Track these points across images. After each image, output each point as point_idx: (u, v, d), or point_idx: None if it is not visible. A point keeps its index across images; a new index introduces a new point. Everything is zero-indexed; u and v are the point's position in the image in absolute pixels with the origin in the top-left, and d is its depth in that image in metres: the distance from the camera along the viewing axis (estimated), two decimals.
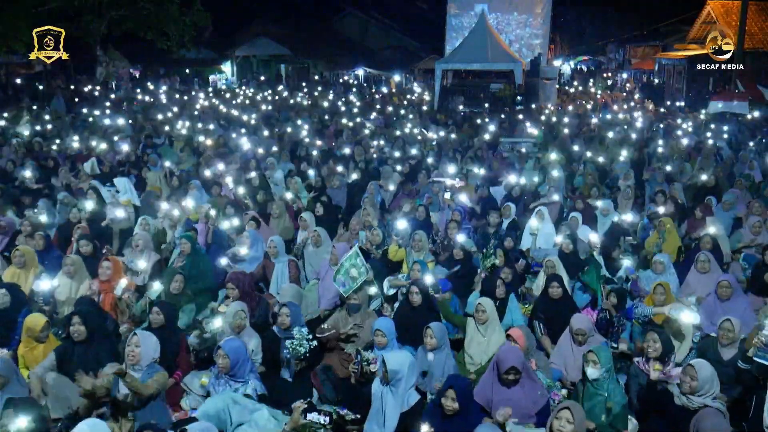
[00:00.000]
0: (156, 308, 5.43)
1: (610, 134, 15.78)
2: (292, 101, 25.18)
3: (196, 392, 5.28)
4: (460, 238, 7.57)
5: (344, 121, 17.92)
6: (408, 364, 4.59)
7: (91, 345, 5.03)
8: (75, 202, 8.99)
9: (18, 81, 26.52)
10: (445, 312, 6.04)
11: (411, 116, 19.71)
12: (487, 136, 15.79)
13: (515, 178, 10.56)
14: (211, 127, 16.50)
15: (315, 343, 5.33)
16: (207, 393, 5.01)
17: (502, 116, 20.24)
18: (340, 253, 6.87)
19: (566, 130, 16.44)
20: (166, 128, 16.29)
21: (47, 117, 17.78)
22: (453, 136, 16.08)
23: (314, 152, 13.37)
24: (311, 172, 11.11)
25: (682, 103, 26.03)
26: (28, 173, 10.54)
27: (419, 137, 15.76)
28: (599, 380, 4.58)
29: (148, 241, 7.36)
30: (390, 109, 22.63)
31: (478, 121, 18.88)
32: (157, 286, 6.22)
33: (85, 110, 19.40)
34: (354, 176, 11.32)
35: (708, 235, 7.50)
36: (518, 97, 22.92)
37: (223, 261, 7.20)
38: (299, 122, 17.70)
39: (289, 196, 9.63)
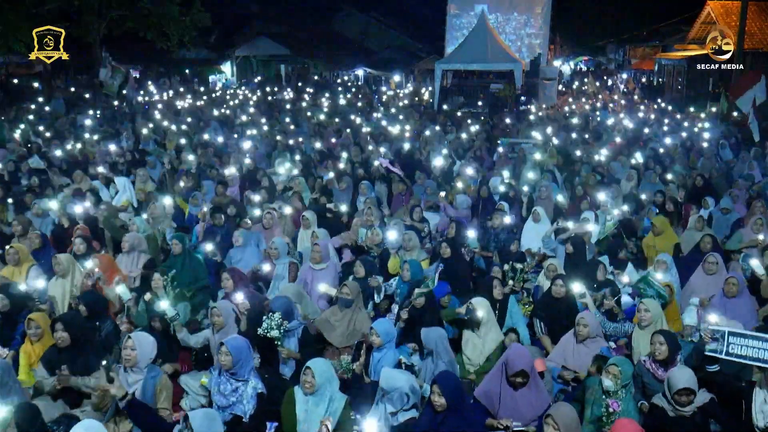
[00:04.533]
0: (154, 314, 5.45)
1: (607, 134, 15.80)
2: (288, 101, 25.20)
3: (195, 392, 5.28)
4: (471, 234, 7.59)
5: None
6: (400, 390, 4.49)
7: (78, 350, 4.95)
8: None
9: (17, 81, 26.53)
10: (449, 314, 6.03)
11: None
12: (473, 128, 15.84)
13: (507, 174, 10.58)
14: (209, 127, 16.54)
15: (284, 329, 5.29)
16: (207, 393, 5.00)
17: (500, 116, 20.28)
18: (323, 249, 6.82)
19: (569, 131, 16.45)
20: (165, 123, 16.32)
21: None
22: (462, 136, 16.06)
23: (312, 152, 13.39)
24: (332, 174, 10.94)
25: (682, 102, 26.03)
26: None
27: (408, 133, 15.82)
28: (614, 392, 4.55)
29: (135, 242, 7.32)
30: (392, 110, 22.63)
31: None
32: (121, 289, 6.06)
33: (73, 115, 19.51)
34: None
35: (708, 235, 7.49)
36: (522, 98, 22.94)
37: (266, 267, 7.10)
38: (287, 120, 17.74)
39: (288, 211, 9.07)
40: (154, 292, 5.89)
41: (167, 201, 8.72)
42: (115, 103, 22.28)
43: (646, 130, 16.44)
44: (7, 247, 6.85)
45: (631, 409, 4.57)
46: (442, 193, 9.78)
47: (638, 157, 12.45)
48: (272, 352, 5.47)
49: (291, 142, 14.69)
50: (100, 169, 10.98)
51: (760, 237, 7.81)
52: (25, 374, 5.26)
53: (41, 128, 16.13)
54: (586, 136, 15.94)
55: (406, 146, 13.79)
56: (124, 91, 24.88)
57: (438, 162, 11.74)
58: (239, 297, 5.50)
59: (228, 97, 27.29)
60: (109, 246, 8.13)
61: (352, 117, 19.74)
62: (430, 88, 28.74)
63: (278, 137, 15.16)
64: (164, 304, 5.38)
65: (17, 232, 7.60)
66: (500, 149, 13.80)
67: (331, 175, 10.79)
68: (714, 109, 21.19)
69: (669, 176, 11.13)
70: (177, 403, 5.29)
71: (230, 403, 4.66)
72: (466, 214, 9.36)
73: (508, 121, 19.05)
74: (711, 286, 6.50)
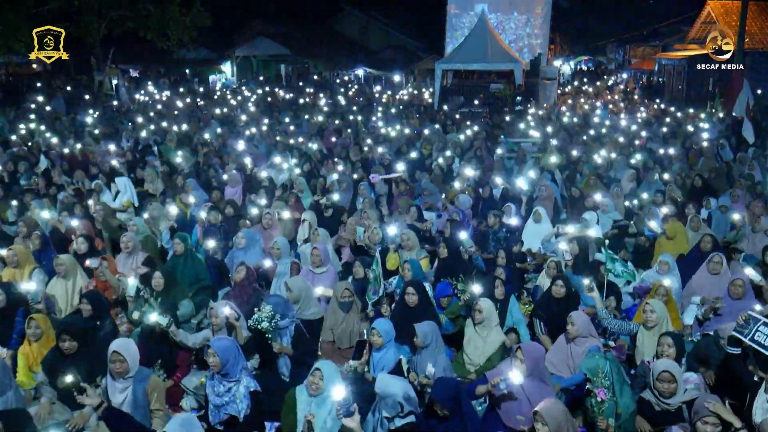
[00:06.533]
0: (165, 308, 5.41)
1: (606, 134, 15.79)
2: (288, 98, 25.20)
3: (195, 392, 5.28)
4: (463, 236, 7.54)
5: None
6: (393, 397, 4.41)
7: (82, 356, 4.92)
8: (74, 202, 9.01)
9: (18, 81, 26.52)
10: (453, 310, 6.02)
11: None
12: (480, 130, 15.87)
13: (500, 180, 10.55)
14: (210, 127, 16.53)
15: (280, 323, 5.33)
16: (204, 394, 4.99)
17: (501, 116, 20.27)
18: (323, 253, 6.83)
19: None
20: (165, 123, 16.33)
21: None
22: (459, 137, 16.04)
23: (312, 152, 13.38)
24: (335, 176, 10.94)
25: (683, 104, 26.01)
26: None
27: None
28: (599, 382, 4.57)
29: (137, 242, 7.34)
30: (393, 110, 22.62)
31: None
32: (132, 281, 6.12)
33: (73, 114, 19.52)
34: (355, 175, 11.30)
35: (708, 235, 7.48)
36: (518, 98, 22.93)
37: (267, 263, 7.14)
38: (289, 120, 17.74)
39: (286, 215, 9.05)
40: (146, 301, 5.81)
41: (173, 209, 8.68)
42: (114, 102, 22.26)
43: (644, 134, 16.39)
44: (7, 249, 6.82)
45: (627, 397, 4.61)
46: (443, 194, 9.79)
47: (638, 157, 12.44)
48: (270, 351, 5.48)
49: (291, 141, 14.69)
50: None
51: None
52: (24, 375, 5.24)
53: (42, 128, 16.13)
54: (585, 138, 15.90)
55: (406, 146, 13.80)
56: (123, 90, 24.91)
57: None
58: (226, 310, 5.42)
59: (229, 96, 27.28)
60: (107, 246, 8.12)
61: (351, 117, 19.74)
62: (430, 89, 28.72)
63: (278, 137, 15.16)
64: (153, 317, 5.29)
65: (22, 233, 7.57)
66: (499, 150, 13.78)
67: (335, 176, 10.80)
68: (714, 111, 21.22)
69: (666, 176, 11.10)
70: (177, 404, 5.30)
71: (224, 402, 4.65)
72: (468, 214, 9.37)
73: (507, 119, 19.04)
74: (714, 286, 6.44)
